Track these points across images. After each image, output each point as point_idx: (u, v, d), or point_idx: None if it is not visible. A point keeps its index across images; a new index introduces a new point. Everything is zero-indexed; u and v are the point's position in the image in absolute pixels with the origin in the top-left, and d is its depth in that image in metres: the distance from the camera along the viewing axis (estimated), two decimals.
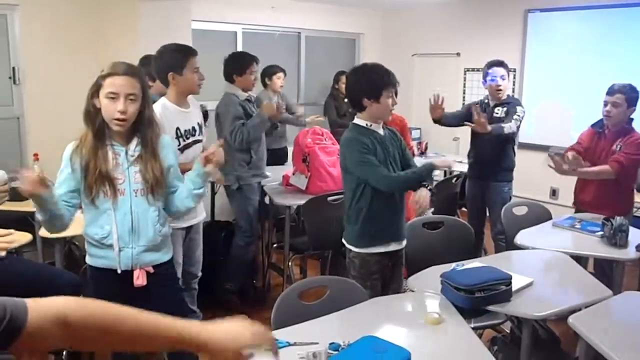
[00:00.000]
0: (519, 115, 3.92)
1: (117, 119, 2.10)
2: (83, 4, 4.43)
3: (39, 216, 2.15)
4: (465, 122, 3.97)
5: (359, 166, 2.59)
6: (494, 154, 4.06)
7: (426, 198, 2.58)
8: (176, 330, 1.03)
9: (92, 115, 2.15)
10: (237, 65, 3.80)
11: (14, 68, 4.27)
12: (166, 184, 2.28)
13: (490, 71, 4.03)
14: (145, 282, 2.25)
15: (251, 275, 4.22)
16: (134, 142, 2.21)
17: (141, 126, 2.20)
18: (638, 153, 3.38)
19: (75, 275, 2.64)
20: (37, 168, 3.68)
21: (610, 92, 3.46)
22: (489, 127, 3.74)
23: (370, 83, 2.61)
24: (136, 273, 2.24)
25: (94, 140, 2.15)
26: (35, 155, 3.74)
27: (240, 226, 3.90)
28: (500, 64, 4.03)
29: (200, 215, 3.16)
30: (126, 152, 2.19)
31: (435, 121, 4.08)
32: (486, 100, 4.15)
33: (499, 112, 4.05)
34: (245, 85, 3.79)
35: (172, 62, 2.90)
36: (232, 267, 3.93)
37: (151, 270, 2.27)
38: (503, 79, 4.01)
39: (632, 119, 3.51)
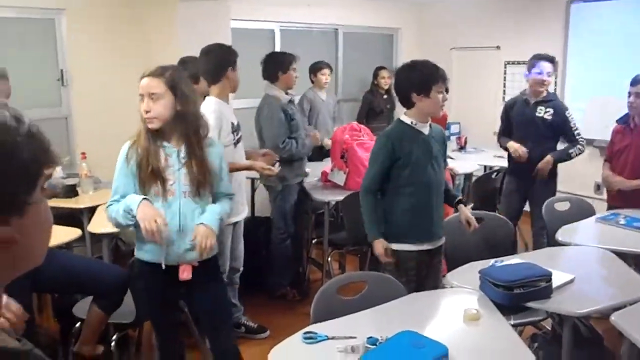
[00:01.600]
0: (574, 124, 3.98)
1: (146, 118, 2.23)
2: (125, 6, 4.56)
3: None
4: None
5: (371, 161, 2.72)
6: (539, 148, 3.98)
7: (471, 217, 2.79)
8: None
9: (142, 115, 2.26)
10: (280, 62, 3.81)
11: (61, 70, 4.44)
12: (211, 185, 2.35)
13: (539, 64, 3.91)
14: (190, 277, 2.33)
15: (298, 268, 4.27)
16: (184, 146, 2.28)
17: (179, 124, 2.26)
18: None
19: (122, 269, 2.74)
20: (85, 166, 3.86)
21: (634, 82, 3.42)
22: (550, 159, 3.91)
23: (420, 78, 2.61)
24: (182, 268, 2.32)
25: (147, 138, 2.26)
26: (83, 154, 3.88)
27: (276, 223, 3.96)
28: (549, 59, 3.94)
29: (243, 213, 3.26)
30: (178, 154, 2.27)
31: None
32: (525, 98, 4.05)
33: (542, 112, 3.96)
34: (287, 84, 3.82)
35: (229, 58, 3.09)
36: (275, 262, 4.00)
37: (196, 264, 2.35)
38: (549, 75, 3.93)
39: None
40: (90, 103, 4.49)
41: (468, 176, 5.05)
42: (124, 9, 4.56)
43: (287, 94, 3.81)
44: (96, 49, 4.49)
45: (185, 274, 2.33)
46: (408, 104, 2.66)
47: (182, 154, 2.27)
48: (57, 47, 4.42)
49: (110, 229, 3.03)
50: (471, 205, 4.48)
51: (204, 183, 2.29)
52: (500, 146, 4.26)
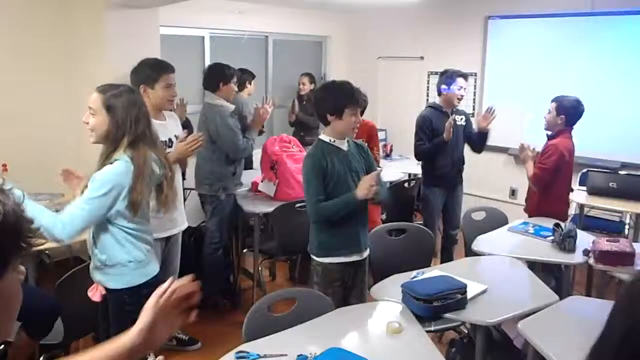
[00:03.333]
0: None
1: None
2: (48, 12, 4.41)
3: None
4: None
5: (305, 184, 2.79)
6: (460, 158, 4.35)
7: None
8: (121, 352, 1.13)
9: None
10: (222, 74, 3.90)
11: None
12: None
13: (458, 80, 4.21)
14: (96, 298, 2.36)
15: (228, 277, 4.31)
16: None
17: (108, 144, 2.29)
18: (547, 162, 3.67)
19: (54, 297, 2.60)
20: (7, 178, 3.73)
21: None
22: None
23: (334, 100, 2.75)
24: (91, 286, 2.37)
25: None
26: (4, 165, 3.75)
27: (211, 232, 3.98)
28: (466, 76, 4.29)
29: (183, 225, 3.26)
30: None
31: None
32: (442, 109, 4.31)
33: (459, 120, 4.29)
34: (227, 94, 3.91)
35: (145, 76, 3.08)
36: (206, 271, 4.01)
37: (103, 290, 2.37)
38: (465, 91, 4.29)
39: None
40: (10, 113, 4.31)
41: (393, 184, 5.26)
42: (47, 15, 4.41)
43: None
44: (17, 57, 4.32)
45: (91, 292, 2.36)
46: (324, 122, 2.80)
47: None
48: None
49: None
50: (384, 214, 4.72)
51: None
52: (423, 157, 4.40)
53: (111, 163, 2.20)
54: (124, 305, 2.34)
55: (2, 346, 2.70)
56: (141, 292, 2.31)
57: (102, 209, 2.18)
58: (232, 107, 3.90)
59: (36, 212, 2.10)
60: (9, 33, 4.28)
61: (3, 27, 4.25)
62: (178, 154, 3.07)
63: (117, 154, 2.22)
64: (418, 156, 4.43)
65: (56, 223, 2.12)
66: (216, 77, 3.88)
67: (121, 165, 2.20)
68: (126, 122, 2.22)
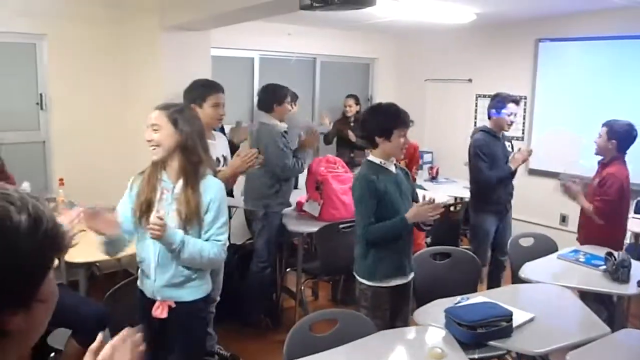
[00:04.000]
0: None
1: (150, 147, 2.31)
2: (107, 34, 4.63)
3: (99, 239, 2.32)
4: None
5: (358, 205, 2.79)
6: (510, 185, 4.24)
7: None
8: None
9: None
10: (277, 95, 3.96)
11: (41, 94, 4.47)
12: (199, 223, 2.31)
13: (509, 106, 4.09)
14: (164, 315, 2.36)
15: (271, 296, 4.32)
16: (181, 181, 2.32)
17: (179, 157, 2.31)
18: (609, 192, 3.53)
19: (102, 305, 2.70)
20: (62, 193, 3.89)
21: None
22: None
23: (382, 122, 2.76)
24: (156, 304, 2.38)
25: (151, 170, 2.36)
26: (61, 180, 3.91)
27: (258, 251, 4.01)
28: (517, 101, 4.18)
29: None
30: (173, 189, 2.32)
31: None
32: (494, 134, 4.20)
33: (508, 146, 4.22)
34: (281, 115, 3.97)
35: (195, 95, 3.20)
36: (251, 290, 4.03)
37: (173, 304, 2.38)
38: (516, 117, 4.20)
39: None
40: (69, 128, 4.52)
41: None
42: (106, 34, 4.63)
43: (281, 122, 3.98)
44: (77, 74, 4.55)
45: (158, 311, 2.36)
46: (372, 144, 2.81)
47: (177, 190, 2.31)
48: (37, 72, 4.46)
49: (85, 258, 3.10)
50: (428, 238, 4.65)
51: (190, 220, 2.29)
52: (496, 184, 4.14)
53: (203, 178, 2.33)
54: (200, 313, 2.49)
55: (53, 354, 2.80)
56: (209, 300, 2.48)
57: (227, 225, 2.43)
58: (284, 126, 3.96)
59: (203, 248, 2.30)
60: (70, 53, 4.51)
61: (65, 47, 4.48)
62: (234, 169, 3.14)
63: (204, 168, 2.34)
64: (484, 182, 4.14)
65: (220, 254, 2.35)
66: (270, 98, 3.95)
67: (218, 181, 2.40)
68: (194, 135, 2.29)
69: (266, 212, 3.92)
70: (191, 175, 2.30)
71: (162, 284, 2.37)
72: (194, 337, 2.50)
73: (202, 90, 3.20)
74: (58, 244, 0.82)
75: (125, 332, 1.21)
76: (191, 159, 2.30)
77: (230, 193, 3.66)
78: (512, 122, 4.15)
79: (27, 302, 0.78)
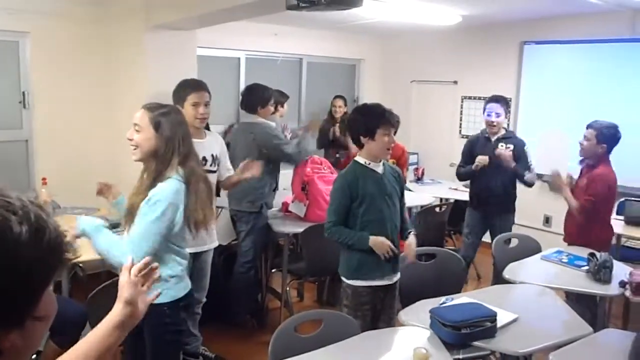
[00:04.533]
0: (530, 160, 4.26)
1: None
2: (92, 33, 4.59)
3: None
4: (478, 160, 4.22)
5: (330, 200, 2.86)
6: (503, 186, 4.25)
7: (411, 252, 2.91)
8: (114, 327, 1.28)
9: None
10: (261, 97, 3.95)
11: (23, 92, 4.42)
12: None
13: (488, 106, 4.23)
14: None
15: (256, 296, 4.31)
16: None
17: (153, 161, 2.28)
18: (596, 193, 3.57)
19: (82, 305, 2.68)
20: (45, 192, 3.84)
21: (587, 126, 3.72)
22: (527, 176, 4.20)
23: (366, 121, 2.77)
24: None
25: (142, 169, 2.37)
26: (44, 179, 3.87)
27: (243, 252, 3.99)
28: (496, 99, 4.21)
29: (212, 243, 3.30)
30: None
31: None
32: (486, 135, 4.30)
33: (503, 147, 4.21)
34: (265, 117, 3.97)
35: (178, 95, 3.23)
36: (236, 291, 4.02)
37: None
38: (498, 116, 4.21)
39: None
40: (52, 126, 4.47)
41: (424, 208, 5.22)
42: (90, 35, 4.58)
43: None
44: (60, 73, 4.50)
45: None
46: (358, 144, 2.82)
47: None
48: (20, 70, 4.40)
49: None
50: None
51: (128, 220, 2.26)
52: (460, 178, 4.54)
53: (162, 181, 2.22)
54: (163, 318, 2.32)
55: (35, 356, 2.76)
56: (179, 305, 2.35)
57: (162, 229, 2.20)
58: (272, 123, 4.00)
59: (112, 243, 2.20)
60: (53, 51, 4.46)
61: (48, 45, 4.43)
62: (240, 178, 3.31)
63: (169, 172, 2.24)
64: (457, 176, 4.58)
65: (125, 253, 2.02)
66: (254, 100, 3.94)
67: (175, 184, 2.23)
68: (174, 141, 2.24)
69: (251, 212, 3.90)
70: (151, 178, 2.25)
71: None
72: (161, 342, 2.39)
73: (182, 90, 3.22)
74: (60, 255, 0.78)
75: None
76: (159, 166, 2.25)
77: (216, 193, 3.65)
78: (492, 122, 4.21)
79: (23, 319, 0.74)
